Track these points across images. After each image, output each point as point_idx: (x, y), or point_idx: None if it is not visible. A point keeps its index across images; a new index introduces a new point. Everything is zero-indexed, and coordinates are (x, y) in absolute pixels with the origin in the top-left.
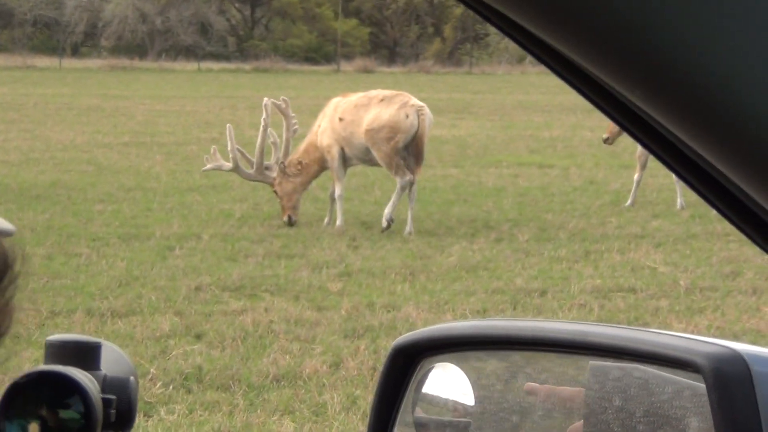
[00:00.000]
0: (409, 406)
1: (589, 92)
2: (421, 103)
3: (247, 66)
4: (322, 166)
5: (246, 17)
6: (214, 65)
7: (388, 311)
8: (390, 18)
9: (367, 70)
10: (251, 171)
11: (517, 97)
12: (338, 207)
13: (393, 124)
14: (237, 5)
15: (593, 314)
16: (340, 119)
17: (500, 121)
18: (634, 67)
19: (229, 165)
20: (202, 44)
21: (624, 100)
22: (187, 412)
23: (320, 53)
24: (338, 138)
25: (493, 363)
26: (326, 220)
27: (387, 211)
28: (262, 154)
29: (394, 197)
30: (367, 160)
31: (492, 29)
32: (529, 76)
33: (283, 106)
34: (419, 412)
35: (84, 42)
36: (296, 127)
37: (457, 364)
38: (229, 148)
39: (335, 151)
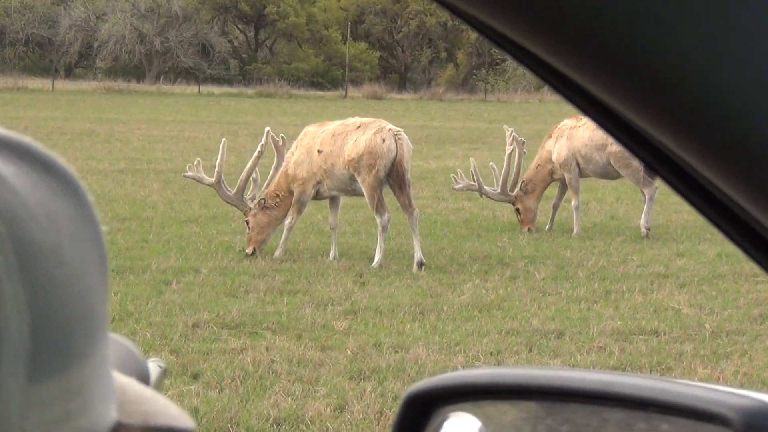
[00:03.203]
0: None
1: (608, 123)
2: (397, 128)
3: (250, 90)
4: None
5: (249, 39)
6: (216, 89)
7: (396, 352)
8: (401, 42)
9: (376, 96)
10: (230, 192)
11: (535, 126)
12: (284, 237)
13: (371, 150)
14: (240, 26)
15: (613, 358)
16: (319, 151)
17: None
18: (654, 97)
19: (210, 180)
20: (203, 67)
21: (643, 132)
22: None
23: (327, 78)
24: (317, 170)
25: (511, 413)
26: (331, 254)
27: (377, 257)
28: (248, 178)
29: (379, 240)
30: (350, 190)
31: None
32: (548, 105)
33: (280, 143)
34: None
35: (78, 63)
36: (283, 161)
37: (474, 414)
38: (217, 163)
39: (310, 187)
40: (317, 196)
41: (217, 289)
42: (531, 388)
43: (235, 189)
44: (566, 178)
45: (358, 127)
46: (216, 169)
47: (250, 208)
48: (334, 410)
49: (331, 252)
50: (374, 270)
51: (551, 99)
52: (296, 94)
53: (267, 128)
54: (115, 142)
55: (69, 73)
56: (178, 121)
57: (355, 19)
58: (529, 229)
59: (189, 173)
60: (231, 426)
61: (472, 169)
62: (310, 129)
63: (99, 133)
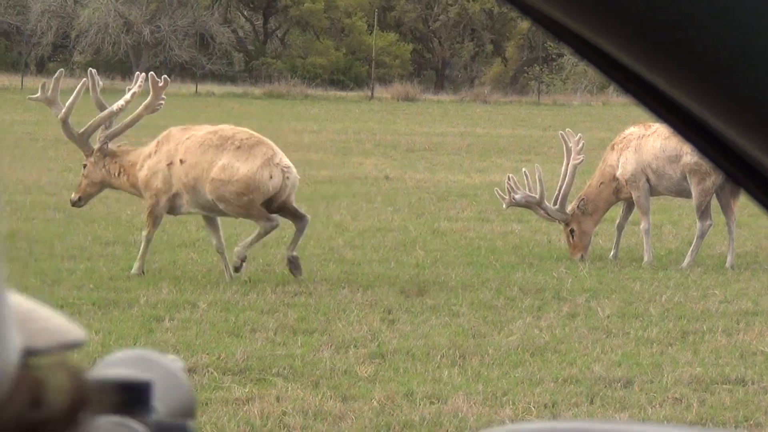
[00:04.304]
0: None
1: (684, 127)
2: (288, 163)
3: (257, 90)
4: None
5: (257, 29)
6: (216, 88)
7: (432, 403)
8: (438, 32)
9: (408, 98)
10: (75, 130)
11: (598, 134)
12: (142, 250)
13: (249, 181)
14: (246, 13)
15: (691, 411)
16: (181, 161)
17: None
18: (743, 96)
19: (59, 108)
20: (201, 61)
21: (727, 138)
22: None
23: (350, 75)
24: (176, 182)
25: None
26: (227, 276)
27: (239, 249)
28: (99, 124)
29: (252, 237)
30: (217, 210)
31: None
32: (613, 108)
33: (160, 84)
34: None
35: (53, 56)
36: (159, 107)
37: None
38: (68, 101)
39: (164, 200)
40: (171, 210)
41: (218, 328)
42: None
43: (82, 129)
44: (633, 197)
45: (238, 147)
46: (68, 104)
47: (93, 151)
48: None
49: (227, 274)
50: (405, 305)
51: (617, 101)
52: (313, 94)
53: (138, 73)
54: None
55: (41, 67)
56: (172, 126)
57: (383, 5)
58: (582, 257)
59: (37, 95)
60: None
61: (537, 175)
62: (175, 132)
63: None
